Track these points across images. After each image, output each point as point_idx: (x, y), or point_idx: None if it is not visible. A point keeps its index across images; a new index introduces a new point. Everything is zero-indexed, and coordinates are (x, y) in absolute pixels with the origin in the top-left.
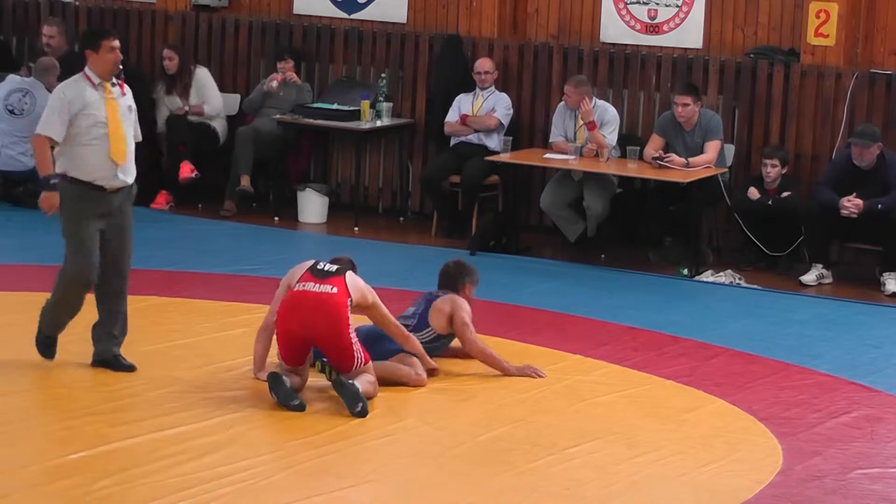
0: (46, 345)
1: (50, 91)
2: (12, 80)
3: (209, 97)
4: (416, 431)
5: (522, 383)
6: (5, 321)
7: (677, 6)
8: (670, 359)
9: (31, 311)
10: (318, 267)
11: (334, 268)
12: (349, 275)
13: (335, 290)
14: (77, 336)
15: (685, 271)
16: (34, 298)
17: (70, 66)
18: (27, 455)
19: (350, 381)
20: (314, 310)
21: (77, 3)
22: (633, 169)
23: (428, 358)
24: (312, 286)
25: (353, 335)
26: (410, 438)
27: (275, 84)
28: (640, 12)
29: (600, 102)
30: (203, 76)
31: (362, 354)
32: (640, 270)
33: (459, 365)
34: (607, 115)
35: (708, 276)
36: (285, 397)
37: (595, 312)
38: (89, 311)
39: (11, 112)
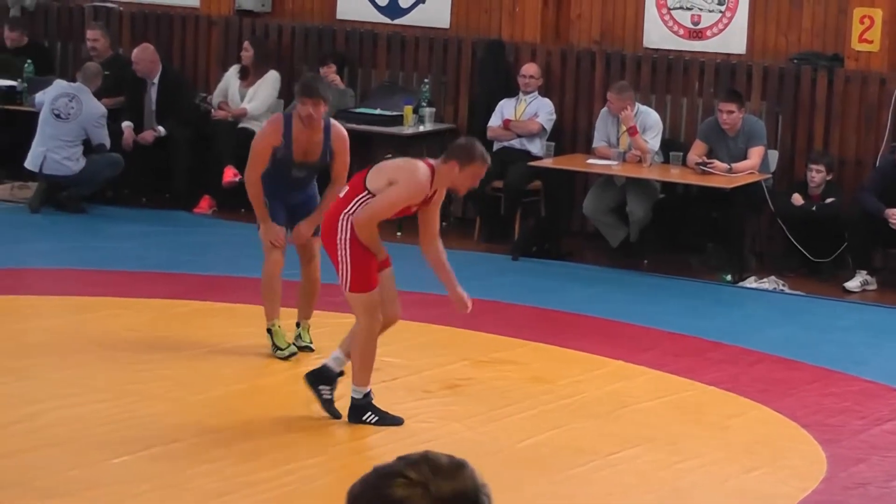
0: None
1: (96, 96)
2: (59, 84)
3: (257, 96)
4: (458, 437)
5: (564, 389)
6: (47, 325)
7: (721, 11)
8: (713, 365)
9: (72, 314)
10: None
11: None
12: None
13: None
14: (114, 344)
15: (728, 277)
16: (75, 302)
17: (114, 69)
18: (68, 459)
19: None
20: None
21: (121, 8)
22: (675, 174)
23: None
24: None
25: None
26: (452, 444)
27: None
28: (684, 18)
29: (643, 108)
30: (270, 78)
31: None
32: (683, 276)
33: (501, 370)
34: (650, 121)
35: (751, 282)
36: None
37: (637, 318)
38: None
39: (58, 116)
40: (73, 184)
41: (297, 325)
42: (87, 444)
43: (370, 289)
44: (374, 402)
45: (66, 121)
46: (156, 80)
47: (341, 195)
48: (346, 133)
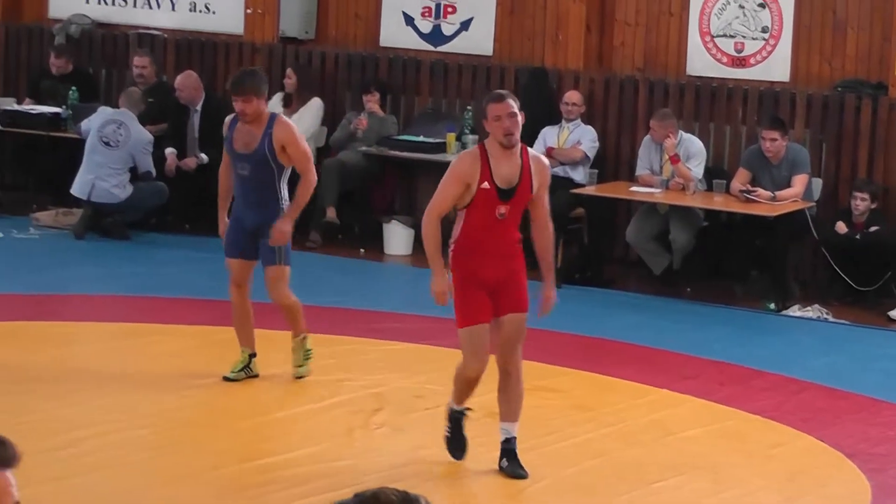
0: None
1: (139, 122)
2: (105, 111)
3: (300, 124)
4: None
5: (608, 417)
6: (90, 351)
7: (764, 39)
8: (756, 393)
9: (115, 340)
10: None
11: None
12: None
13: None
14: (157, 370)
15: (772, 305)
16: (119, 328)
17: (158, 96)
18: (110, 485)
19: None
20: None
21: (165, 35)
22: (719, 202)
23: None
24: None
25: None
26: (494, 472)
27: (361, 127)
28: (727, 45)
29: (686, 135)
30: (314, 106)
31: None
32: (727, 304)
33: (543, 398)
34: (693, 149)
35: (795, 311)
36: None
37: (681, 346)
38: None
39: (107, 144)
40: (118, 211)
41: (252, 354)
42: (129, 471)
43: (467, 324)
44: (463, 422)
45: (115, 148)
46: (199, 108)
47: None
48: (290, 124)
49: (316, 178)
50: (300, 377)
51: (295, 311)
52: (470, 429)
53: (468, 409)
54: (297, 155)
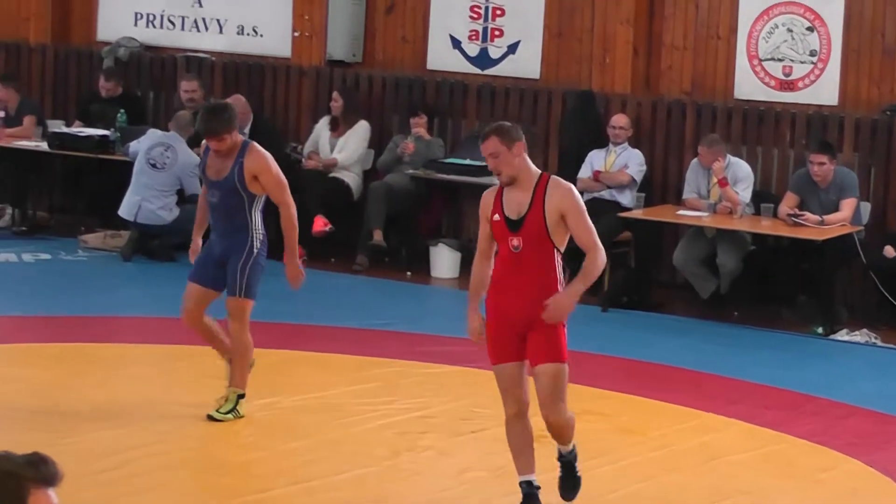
0: None
1: (188, 146)
2: (153, 134)
3: (347, 147)
4: (544, 489)
5: (654, 441)
6: (137, 373)
7: (812, 63)
8: (804, 418)
9: (162, 363)
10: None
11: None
12: None
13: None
14: (203, 392)
15: (820, 330)
16: (165, 351)
17: None
18: None
19: None
20: None
21: (213, 58)
22: (766, 226)
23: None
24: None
25: None
26: (540, 495)
27: (408, 151)
28: (775, 69)
29: (734, 159)
30: (360, 129)
31: None
32: (774, 328)
33: (590, 421)
34: (741, 172)
35: (843, 335)
36: None
37: (728, 370)
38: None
39: (153, 166)
40: (165, 233)
41: (232, 396)
42: (177, 493)
43: (492, 363)
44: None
45: (162, 170)
46: (247, 130)
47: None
48: (263, 153)
49: (294, 205)
50: (213, 418)
51: (243, 353)
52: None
53: (536, 485)
54: (270, 184)
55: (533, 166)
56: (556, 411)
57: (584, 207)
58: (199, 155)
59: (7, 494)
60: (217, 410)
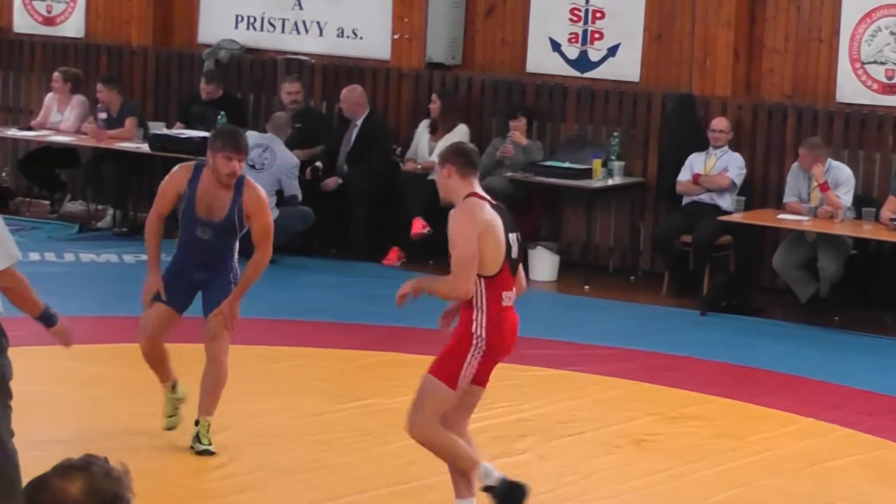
0: None
1: (287, 145)
2: (251, 135)
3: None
4: (644, 492)
5: (753, 446)
6: (236, 374)
7: None
8: None
9: (260, 364)
10: (513, 255)
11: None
12: None
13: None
14: (301, 393)
15: None
16: (264, 352)
17: (305, 122)
18: None
19: None
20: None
21: (313, 60)
22: (868, 230)
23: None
24: (512, 298)
25: None
26: (639, 499)
27: (507, 154)
28: (878, 72)
29: (835, 163)
30: (460, 132)
31: None
32: (875, 333)
33: (688, 426)
34: (842, 176)
35: None
36: None
37: (828, 375)
38: None
39: (252, 167)
40: None
41: (196, 422)
42: (275, 493)
43: None
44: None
45: (261, 171)
46: (359, 123)
47: None
48: (261, 192)
49: (271, 254)
50: (207, 451)
51: (224, 377)
52: (615, 457)
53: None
54: (260, 227)
55: (463, 190)
56: (408, 422)
57: (457, 235)
58: (300, 157)
59: None
60: (203, 443)
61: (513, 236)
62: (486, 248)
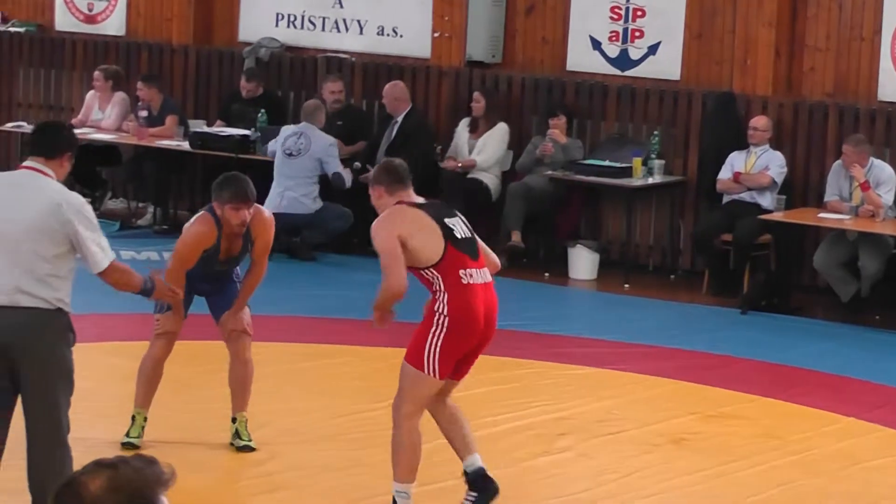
0: None
1: (322, 129)
2: (286, 128)
3: (486, 149)
4: (684, 491)
5: (794, 445)
6: (275, 371)
7: None
8: None
9: (300, 362)
10: (458, 235)
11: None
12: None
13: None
14: (340, 391)
15: None
16: (303, 350)
17: (346, 119)
18: None
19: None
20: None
21: (353, 59)
22: None
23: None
24: (478, 276)
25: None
26: (678, 498)
27: (547, 152)
28: None
29: (877, 162)
30: (500, 131)
31: None
32: None
33: (728, 425)
34: (883, 175)
35: None
36: None
37: (869, 374)
38: None
39: (290, 155)
40: (308, 226)
41: (233, 420)
42: (312, 491)
43: None
44: None
45: (299, 157)
46: (399, 119)
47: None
48: (268, 216)
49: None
50: (249, 447)
51: (249, 374)
52: (654, 456)
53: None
54: (262, 245)
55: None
56: (394, 405)
57: (375, 238)
58: (344, 154)
59: None
60: (244, 439)
61: (451, 220)
62: (415, 241)
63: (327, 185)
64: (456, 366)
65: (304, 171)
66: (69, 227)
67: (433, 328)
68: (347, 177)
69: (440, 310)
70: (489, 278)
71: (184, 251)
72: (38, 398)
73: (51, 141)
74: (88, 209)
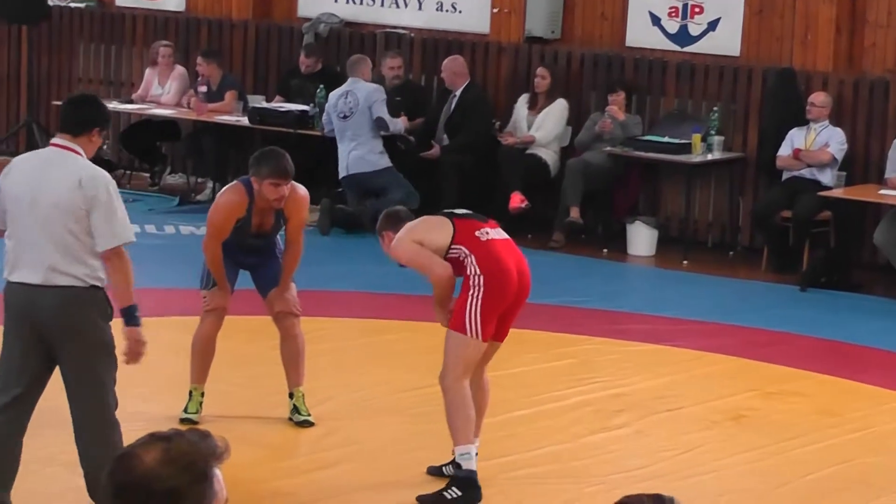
0: None
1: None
2: (333, 93)
3: (545, 125)
4: (742, 468)
5: (853, 423)
6: (338, 347)
7: None
8: None
9: (362, 337)
10: (458, 211)
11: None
12: None
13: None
14: (403, 366)
15: None
16: (366, 325)
17: (405, 94)
18: (361, 482)
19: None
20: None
21: (412, 34)
22: None
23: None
24: (494, 233)
25: None
26: (736, 476)
27: (606, 129)
28: None
29: None
30: (559, 107)
31: None
32: None
33: (788, 402)
34: None
35: None
36: None
37: None
38: None
39: (343, 117)
40: (382, 185)
41: (290, 395)
42: (374, 466)
43: None
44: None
45: (352, 116)
46: (458, 93)
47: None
48: (303, 193)
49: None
50: (308, 422)
51: (300, 348)
52: (713, 432)
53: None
54: (296, 224)
55: None
56: (440, 375)
57: (402, 254)
58: (403, 129)
59: (196, 481)
60: (303, 414)
61: (448, 210)
62: (430, 235)
63: (397, 155)
64: (497, 325)
65: (361, 129)
66: (91, 204)
67: (471, 290)
68: (393, 124)
69: (472, 272)
70: (506, 235)
71: (216, 219)
72: (82, 379)
73: (77, 117)
74: (112, 187)
